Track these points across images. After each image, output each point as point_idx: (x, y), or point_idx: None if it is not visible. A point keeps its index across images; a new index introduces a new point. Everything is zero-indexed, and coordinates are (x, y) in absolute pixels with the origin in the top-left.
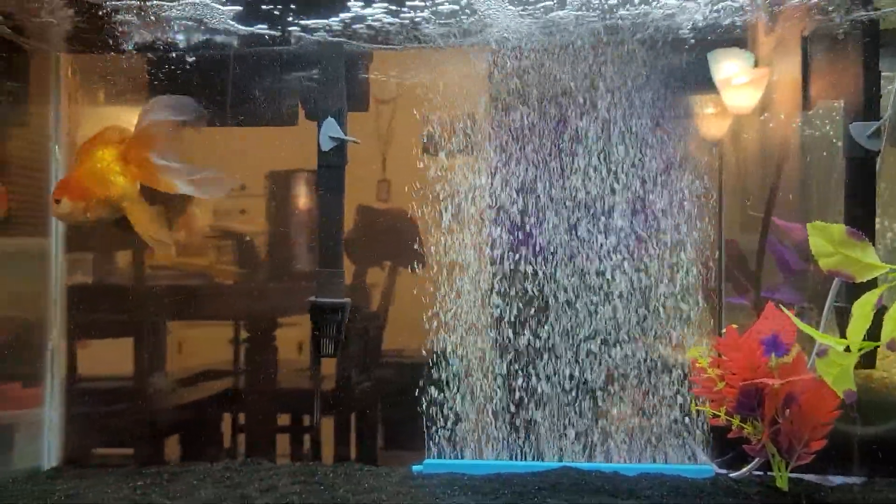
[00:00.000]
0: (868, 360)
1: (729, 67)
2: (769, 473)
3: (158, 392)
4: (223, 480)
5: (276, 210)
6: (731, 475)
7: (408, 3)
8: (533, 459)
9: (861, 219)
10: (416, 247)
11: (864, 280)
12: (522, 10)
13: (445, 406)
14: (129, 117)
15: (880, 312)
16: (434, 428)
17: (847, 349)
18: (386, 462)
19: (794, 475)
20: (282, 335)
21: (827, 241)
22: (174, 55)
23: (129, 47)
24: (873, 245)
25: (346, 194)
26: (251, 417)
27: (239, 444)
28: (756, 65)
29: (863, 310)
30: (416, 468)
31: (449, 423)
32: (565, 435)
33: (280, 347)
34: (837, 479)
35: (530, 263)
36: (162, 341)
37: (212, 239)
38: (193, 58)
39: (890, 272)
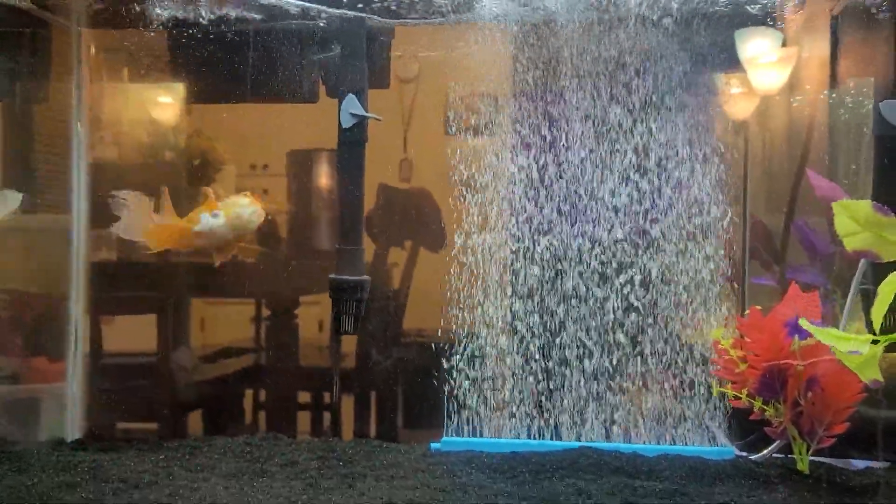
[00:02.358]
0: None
1: (756, 46)
2: (790, 456)
3: (179, 368)
4: (243, 455)
5: (298, 189)
6: (751, 457)
7: None
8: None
9: (890, 198)
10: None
11: (892, 259)
12: None
13: (465, 384)
14: (151, 94)
15: None
16: (453, 406)
17: (875, 342)
18: (406, 439)
19: (815, 458)
20: (303, 313)
21: (853, 219)
22: (195, 31)
23: (151, 23)
24: None
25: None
26: (271, 394)
27: (259, 420)
28: (784, 44)
29: (888, 289)
30: (434, 445)
31: (468, 402)
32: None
33: (301, 325)
34: (860, 464)
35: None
36: (183, 318)
37: None
38: (214, 33)
39: None
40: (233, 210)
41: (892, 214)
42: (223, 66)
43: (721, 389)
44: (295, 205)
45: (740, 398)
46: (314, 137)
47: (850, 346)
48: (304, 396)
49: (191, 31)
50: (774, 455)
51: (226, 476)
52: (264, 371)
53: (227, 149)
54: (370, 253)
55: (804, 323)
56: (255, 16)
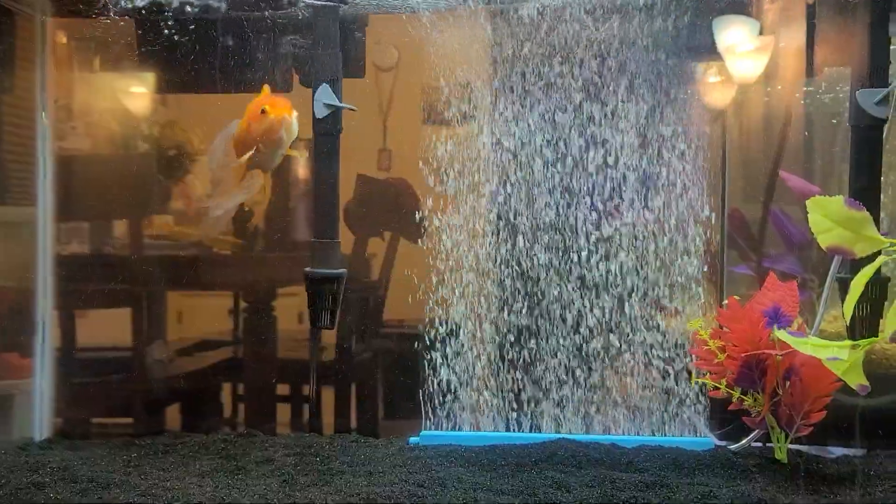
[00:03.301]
0: (871, 331)
1: (734, 34)
2: (768, 445)
3: (151, 363)
4: (219, 452)
5: (275, 179)
6: (730, 447)
7: None
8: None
9: (865, 188)
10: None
11: (866, 255)
12: None
13: (444, 377)
14: (121, 84)
15: (883, 284)
16: (431, 399)
17: (854, 348)
18: (386, 433)
19: (793, 446)
20: (280, 305)
21: (825, 216)
22: (164, 19)
23: (117, 11)
24: (878, 215)
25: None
26: (248, 387)
27: (236, 415)
28: (761, 32)
29: (859, 283)
30: (412, 440)
31: (447, 395)
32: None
33: (279, 317)
34: (838, 451)
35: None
36: (156, 312)
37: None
38: (184, 22)
39: (891, 245)
40: (282, 112)
41: (864, 210)
42: (194, 55)
43: (700, 380)
44: (273, 195)
45: (719, 388)
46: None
47: (828, 352)
48: (282, 390)
49: (159, 20)
50: (753, 444)
51: (200, 474)
52: (241, 364)
53: (203, 139)
54: (349, 244)
55: (782, 335)
56: (226, 4)
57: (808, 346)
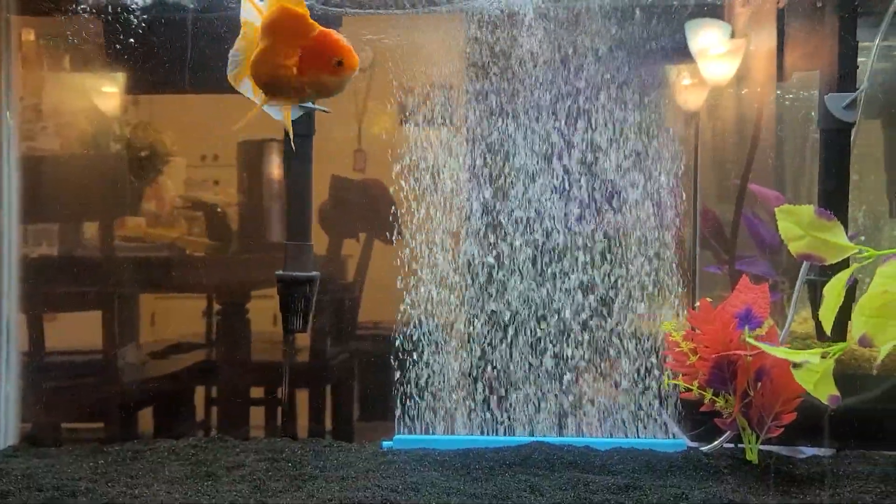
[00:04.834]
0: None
1: (706, 37)
2: (740, 446)
3: (122, 366)
4: (188, 458)
5: (250, 180)
6: (701, 449)
7: None
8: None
9: (834, 191)
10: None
11: (836, 262)
12: None
13: (418, 380)
14: (91, 84)
15: (851, 288)
16: (405, 402)
17: (824, 356)
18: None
19: (765, 447)
20: (254, 307)
21: (796, 224)
22: (132, 18)
23: (85, 8)
24: (846, 219)
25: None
26: (221, 391)
27: (209, 418)
28: (733, 35)
29: (834, 292)
30: (385, 444)
31: (421, 398)
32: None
33: (253, 320)
34: (809, 451)
35: None
36: (128, 315)
37: (183, 210)
38: (153, 21)
39: (860, 252)
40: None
41: (834, 218)
42: (165, 54)
43: (672, 381)
44: (247, 196)
45: (691, 390)
46: (265, 128)
47: (800, 357)
48: (256, 393)
49: (129, 19)
50: (725, 445)
51: (169, 481)
52: (214, 367)
53: (176, 140)
54: (324, 245)
55: (753, 341)
56: (197, 2)
57: (780, 352)
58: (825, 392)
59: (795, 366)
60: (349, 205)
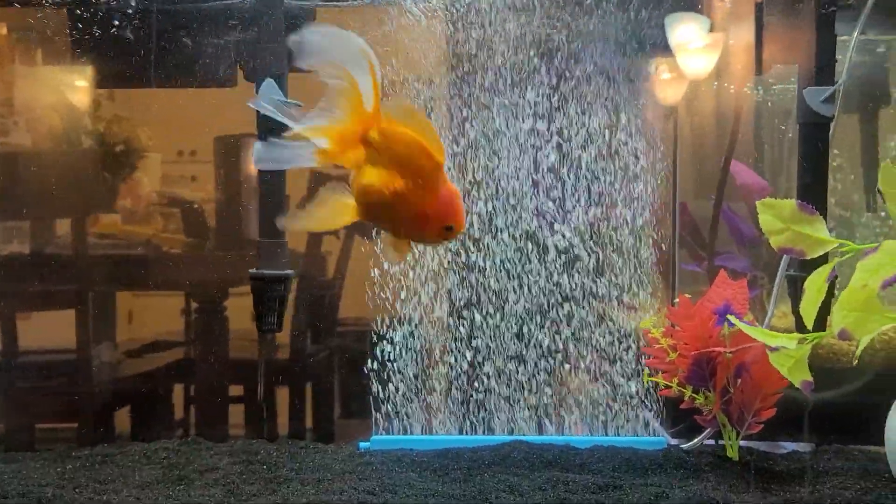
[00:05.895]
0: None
1: (685, 31)
2: (721, 443)
3: (97, 366)
4: (160, 461)
5: (227, 176)
6: (682, 446)
7: None
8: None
9: (813, 185)
10: None
11: (817, 256)
12: None
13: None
14: (62, 78)
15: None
16: (383, 402)
17: (801, 341)
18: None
19: (746, 443)
20: (232, 305)
21: (776, 217)
22: (100, 9)
23: (54, 1)
24: (825, 213)
25: None
26: (196, 392)
27: (183, 419)
28: (711, 29)
29: (815, 286)
30: (363, 445)
31: (399, 397)
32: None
33: (231, 318)
34: (789, 446)
35: None
36: (103, 313)
37: (159, 207)
38: (121, 12)
39: (841, 246)
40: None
41: (815, 212)
42: (135, 48)
43: (652, 379)
44: (224, 193)
45: (671, 387)
46: (242, 123)
47: (777, 341)
48: (234, 392)
49: (99, 12)
50: (706, 442)
51: (139, 486)
52: (191, 366)
53: (152, 135)
54: (302, 242)
55: (732, 319)
56: None
57: (759, 332)
58: (799, 377)
59: (772, 349)
60: None
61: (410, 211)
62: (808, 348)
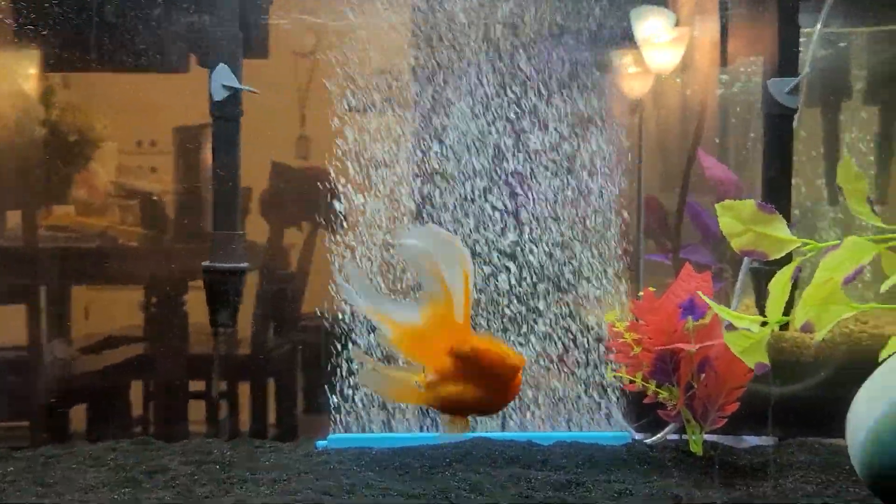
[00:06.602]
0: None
1: (651, 25)
2: (684, 437)
3: (45, 363)
4: (107, 463)
5: (186, 167)
6: (645, 441)
7: None
8: None
9: (778, 177)
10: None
11: (779, 256)
12: None
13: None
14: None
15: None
16: (341, 399)
17: (763, 324)
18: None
19: (710, 437)
20: (192, 299)
21: (736, 219)
22: None
23: None
24: (790, 204)
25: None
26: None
27: (140, 417)
28: (677, 23)
29: (779, 286)
30: (320, 443)
31: (357, 393)
32: None
33: (191, 312)
34: (753, 440)
35: None
36: (54, 308)
37: (116, 198)
38: None
39: (803, 245)
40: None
41: (775, 212)
42: (88, 32)
43: (616, 374)
44: (184, 184)
45: (635, 382)
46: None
47: (744, 323)
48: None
49: None
50: (670, 437)
51: (84, 489)
52: (149, 362)
53: (109, 124)
54: (264, 235)
55: (702, 296)
56: None
57: (726, 312)
58: (754, 359)
59: (729, 327)
60: (290, 192)
61: (483, 405)
62: (768, 332)
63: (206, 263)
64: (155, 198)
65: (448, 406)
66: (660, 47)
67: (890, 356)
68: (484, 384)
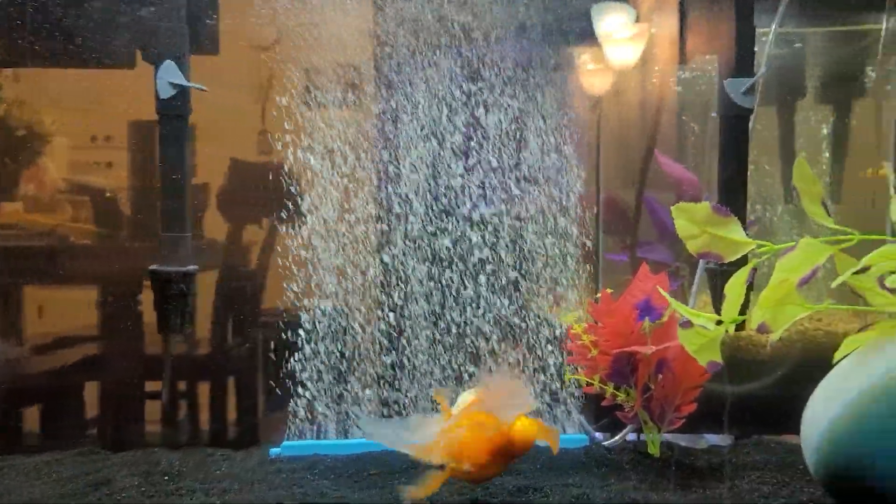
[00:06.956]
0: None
1: (611, 21)
2: (643, 438)
3: None
4: (47, 476)
5: (141, 164)
6: (604, 443)
7: None
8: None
9: (733, 177)
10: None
11: (734, 259)
12: None
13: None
14: None
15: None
16: (297, 404)
17: (718, 322)
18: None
19: (668, 435)
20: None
21: (692, 221)
22: None
23: None
24: (745, 204)
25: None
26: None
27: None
28: (638, 20)
29: (735, 290)
30: (273, 451)
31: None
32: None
33: (145, 312)
34: (712, 439)
35: None
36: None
37: (66, 195)
38: None
39: (759, 247)
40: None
41: (731, 215)
42: (27, 26)
43: (574, 376)
44: (139, 180)
45: (593, 384)
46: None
47: (700, 320)
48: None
49: None
50: (628, 439)
51: None
52: (99, 364)
53: (58, 119)
54: (223, 232)
55: (662, 292)
56: None
57: (684, 309)
58: (707, 357)
59: (684, 325)
60: (249, 189)
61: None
62: (722, 330)
63: (153, 267)
64: (108, 194)
65: (468, 479)
66: (620, 43)
67: (844, 357)
68: (499, 459)
